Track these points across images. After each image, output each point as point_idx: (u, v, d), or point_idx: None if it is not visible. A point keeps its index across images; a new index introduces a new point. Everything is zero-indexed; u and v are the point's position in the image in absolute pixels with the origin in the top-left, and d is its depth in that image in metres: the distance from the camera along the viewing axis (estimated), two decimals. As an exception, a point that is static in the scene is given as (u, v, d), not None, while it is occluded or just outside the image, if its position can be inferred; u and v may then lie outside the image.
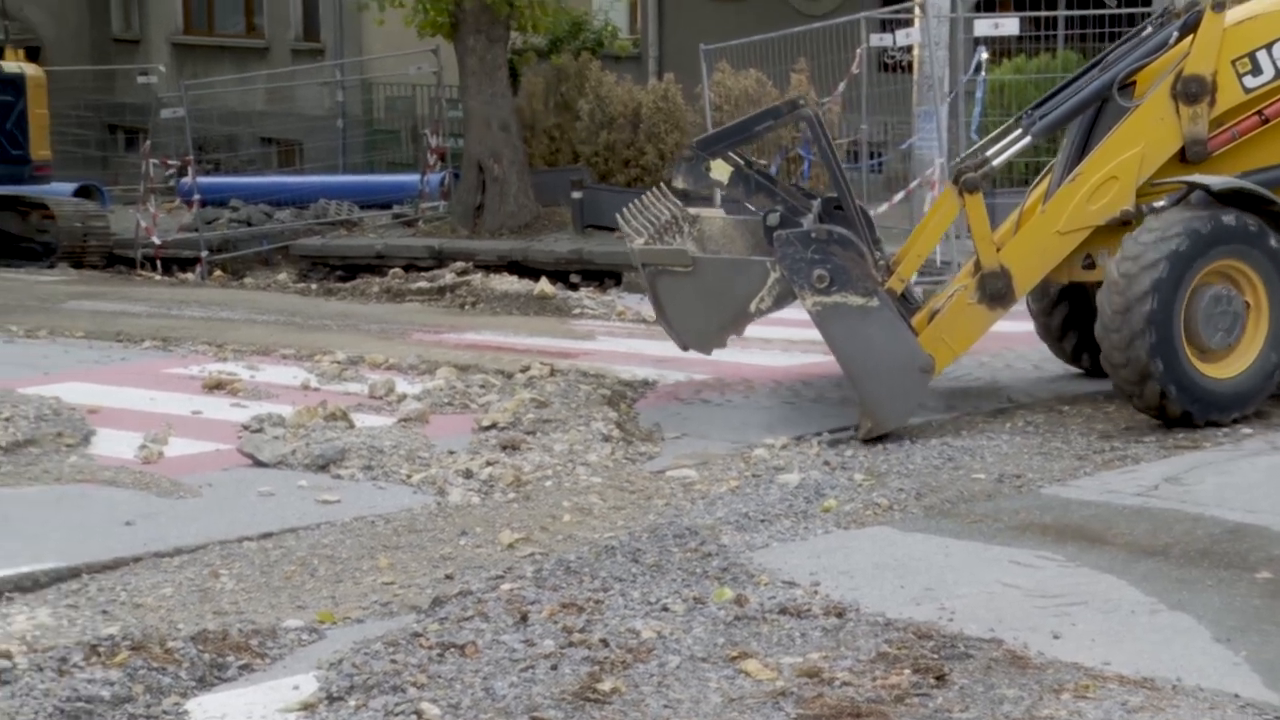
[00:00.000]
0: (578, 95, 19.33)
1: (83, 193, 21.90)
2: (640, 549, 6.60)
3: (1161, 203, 8.78)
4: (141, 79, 23.48)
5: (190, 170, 20.25)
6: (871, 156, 17.04)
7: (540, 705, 4.93)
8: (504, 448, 8.54)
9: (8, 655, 5.31)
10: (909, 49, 15.70)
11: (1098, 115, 9.19)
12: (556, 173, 19.12)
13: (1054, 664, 5.19)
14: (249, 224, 20.86)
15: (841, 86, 16.08)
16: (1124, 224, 8.81)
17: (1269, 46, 9.03)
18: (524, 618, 5.71)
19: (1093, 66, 9.69)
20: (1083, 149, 9.15)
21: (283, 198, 21.29)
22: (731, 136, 9.60)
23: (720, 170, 9.36)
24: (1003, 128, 9.76)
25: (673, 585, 6.14)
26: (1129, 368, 8.28)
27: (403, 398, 9.61)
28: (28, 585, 6.43)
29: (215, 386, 10.26)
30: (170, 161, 21.03)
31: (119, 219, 20.72)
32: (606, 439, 8.82)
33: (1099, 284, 8.81)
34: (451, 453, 8.44)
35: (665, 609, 5.85)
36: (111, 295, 15.76)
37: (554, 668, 5.23)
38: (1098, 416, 8.93)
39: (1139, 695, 4.89)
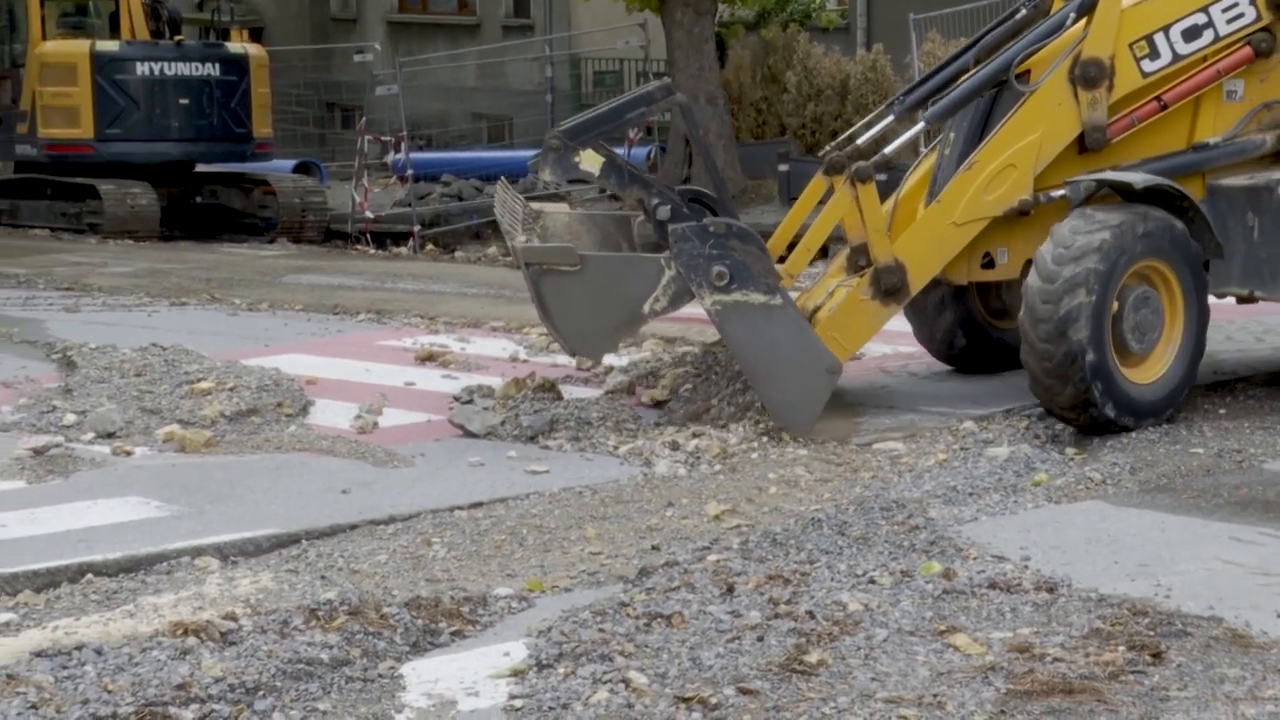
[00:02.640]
0: (785, 68, 19.26)
1: (301, 169, 22.51)
2: (847, 522, 6.57)
3: (1060, 192, 8.33)
4: (358, 57, 24.01)
5: (403, 146, 20.66)
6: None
7: (746, 676, 4.94)
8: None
9: (233, 617, 5.49)
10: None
11: (994, 101, 8.67)
12: (763, 145, 19.09)
13: (1278, 644, 5.04)
14: (460, 198, 21.23)
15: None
16: (1022, 214, 8.42)
17: (1167, 29, 8.53)
18: (730, 589, 5.73)
19: (967, 49, 9.20)
20: (979, 136, 8.63)
21: (493, 172, 21.59)
22: (601, 124, 8.63)
23: (591, 161, 8.41)
24: (874, 114, 9.33)
25: (879, 558, 6.10)
26: (1054, 362, 7.80)
27: (609, 370, 9.69)
28: (251, 550, 6.64)
29: (427, 358, 10.47)
30: (384, 138, 21.48)
31: (335, 194, 21.25)
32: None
33: (1001, 283, 8.55)
34: (658, 425, 8.49)
35: (872, 582, 5.81)
36: (328, 269, 16.17)
37: (760, 639, 5.23)
38: (1324, 390, 8.63)
39: (1367, 678, 4.73)
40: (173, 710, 4.64)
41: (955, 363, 9.71)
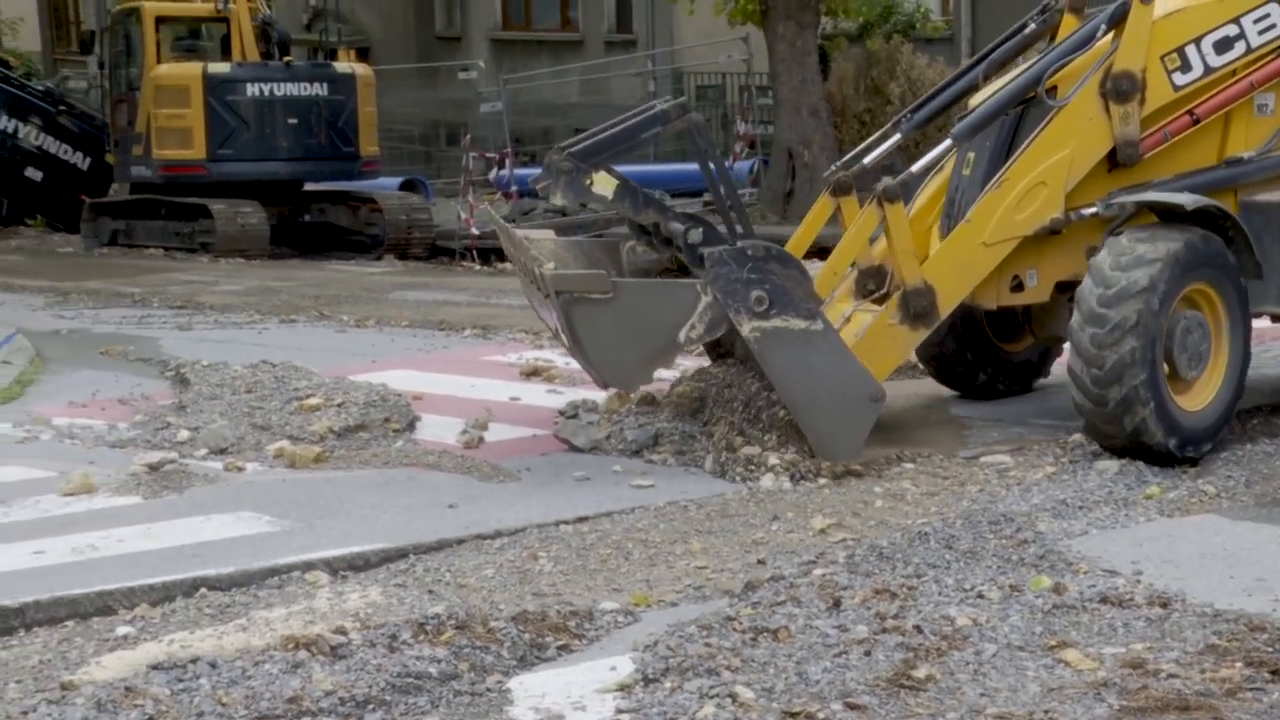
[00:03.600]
0: (888, 79, 19.18)
1: (408, 187, 22.74)
2: (954, 535, 6.52)
3: (1092, 210, 8.13)
4: (462, 75, 24.24)
5: (508, 163, 20.80)
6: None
7: (854, 691, 4.91)
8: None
9: (343, 631, 5.55)
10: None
11: (1020, 117, 8.38)
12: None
13: (1398, 661, 4.93)
14: (564, 214, 21.32)
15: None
16: (1053, 233, 8.15)
17: (1198, 41, 8.27)
18: (837, 603, 5.70)
19: (974, 66, 8.97)
20: (1005, 153, 8.34)
21: (671, 184, 21.67)
22: (614, 145, 8.20)
23: (604, 184, 8.02)
24: (880, 132, 9.04)
25: (988, 572, 6.05)
26: (1106, 369, 7.47)
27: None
28: (360, 564, 6.71)
29: (532, 373, 10.52)
30: (489, 154, 21.64)
31: (441, 211, 21.43)
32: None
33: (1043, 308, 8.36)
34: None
35: (980, 596, 5.76)
36: (434, 285, 16.31)
37: (867, 654, 5.20)
38: None
39: None
40: (284, 723, 4.70)
41: (961, 386, 9.45)
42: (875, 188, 7.97)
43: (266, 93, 20.26)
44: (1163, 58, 8.23)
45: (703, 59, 24.65)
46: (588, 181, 7.98)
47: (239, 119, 20.24)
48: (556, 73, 26.48)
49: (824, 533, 6.92)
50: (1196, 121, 8.30)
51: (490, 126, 22.01)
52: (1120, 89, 8.13)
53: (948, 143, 8.27)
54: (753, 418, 7.96)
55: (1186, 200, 7.83)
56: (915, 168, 8.34)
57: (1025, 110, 8.35)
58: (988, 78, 8.85)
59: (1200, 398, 7.81)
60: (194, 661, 5.18)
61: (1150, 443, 7.55)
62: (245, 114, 20.25)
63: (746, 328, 7.49)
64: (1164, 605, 5.58)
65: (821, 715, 4.73)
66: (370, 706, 4.89)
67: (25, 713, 4.71)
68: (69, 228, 22.50)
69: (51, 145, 23.29)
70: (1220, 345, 7.90)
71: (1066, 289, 8.33)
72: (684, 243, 7.78)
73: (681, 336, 7.62)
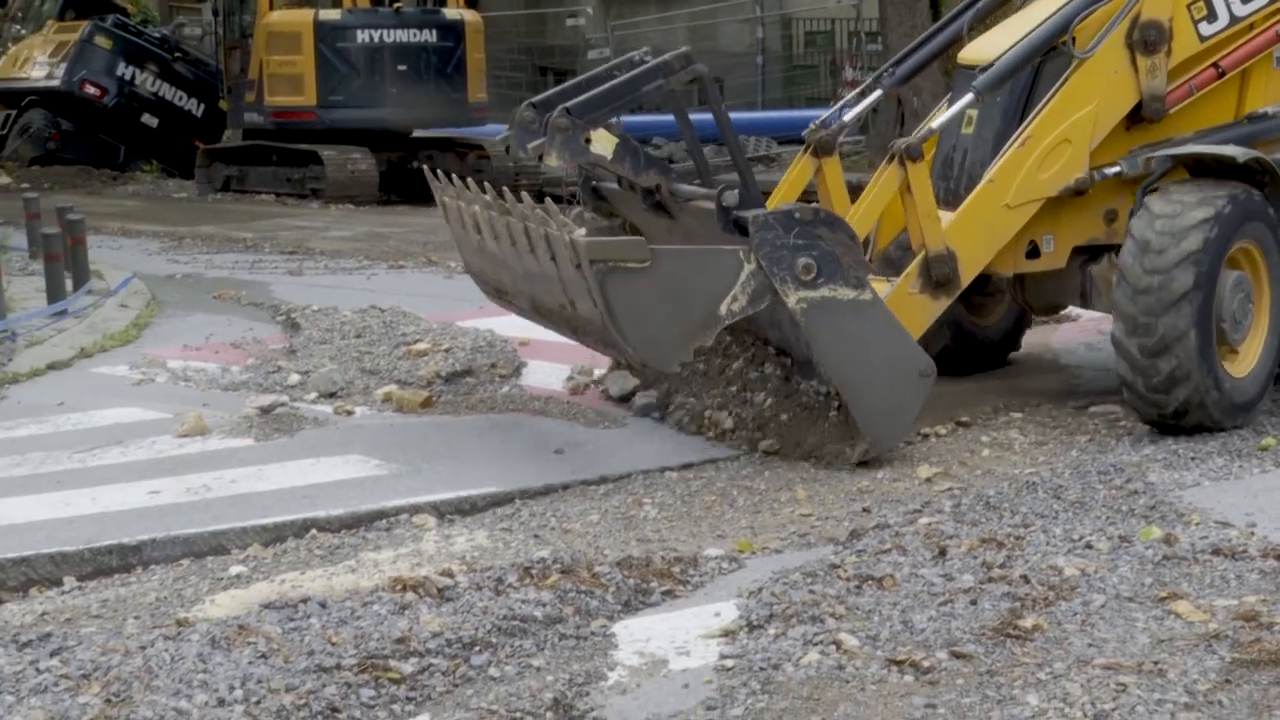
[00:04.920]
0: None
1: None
2: (1062, 485, 6.45)
3: (1117, 168, 7.67)
4: (570, 21, 24.23)
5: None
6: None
7: (960, 640, 4.89)
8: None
9: (450, 574, 5.61)
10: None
11: (1036, 71, 7.84)
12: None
13: None
14: (670, 161, 21.25)
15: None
16: (1078, 194, 7.66)
17: None
18: (942, 552, 5.67)
19: (957, 15, 8.52)
20: (1021, 109, 7.82)
21: (703, 135, 21.60)
22: (614, 99, 7.61)
23: (603, 143, 7.47)
24: (861, 87, 8.61)
25: (1096, 523, 5.98)
26: (1157, 338, 7.08)
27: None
28: (467, 508, 6.77)
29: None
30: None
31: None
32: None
33: (1046, 275, 7.85)
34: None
35: (1089, 547, 5.70)
36: (542, 232, 16.33)
37: (973, 603, 5.17)
38: None
39: None
40: (393, 663, 4.76)
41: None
42: (895, 145, 7.41)
43: (376, 39, 20.37)
44: (1189, 6, 7.82)
45: (811, 4, 24.44)
46: (585, 139, 7.42)
47: (349, 65, 20.37)
48: (664, 19, 26.36)
49: (930, 481, 6.88)
50: (1222, 74, 7.88)
51: (598, 73, 21.99)
52: (1148, 39, 7.68)
53: (969, 96, 7.62)
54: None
55: (1238, 153, 7.39)
56: (935, 124, 7.77)
57: (1041, 63, 7.84)
58: (972, 30, 8.45)
59: (1245, 364, 7.43)
60: (304, 601, 5.27)
61: (1201, 415, 7.17)
62: (355, 61, 20.37)
63: (793, 298, 6.88)
64: (1278, 558, 5.50)
65: (926, 664, 4.72)
66: (476, 648, 4.95)
67: (143, 647, 4.82)
68: (183, 173, 22.84)
69: (167, 92, 23.62)
70: (1262, 307, 7.50)
71: (1078, 254, 7.91)
72: (718, 206, 7.11)
73: (723, 309, 6.86)
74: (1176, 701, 4.42)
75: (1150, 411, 7.29)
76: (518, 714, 4.49)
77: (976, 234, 7.52)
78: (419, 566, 5.85)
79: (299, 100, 20.29)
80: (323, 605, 5.22)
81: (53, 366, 9.75)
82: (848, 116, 8.35)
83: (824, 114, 8.46)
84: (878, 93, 8.50)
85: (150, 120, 23.48)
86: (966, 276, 7.50)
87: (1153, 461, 6.86)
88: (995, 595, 5.22)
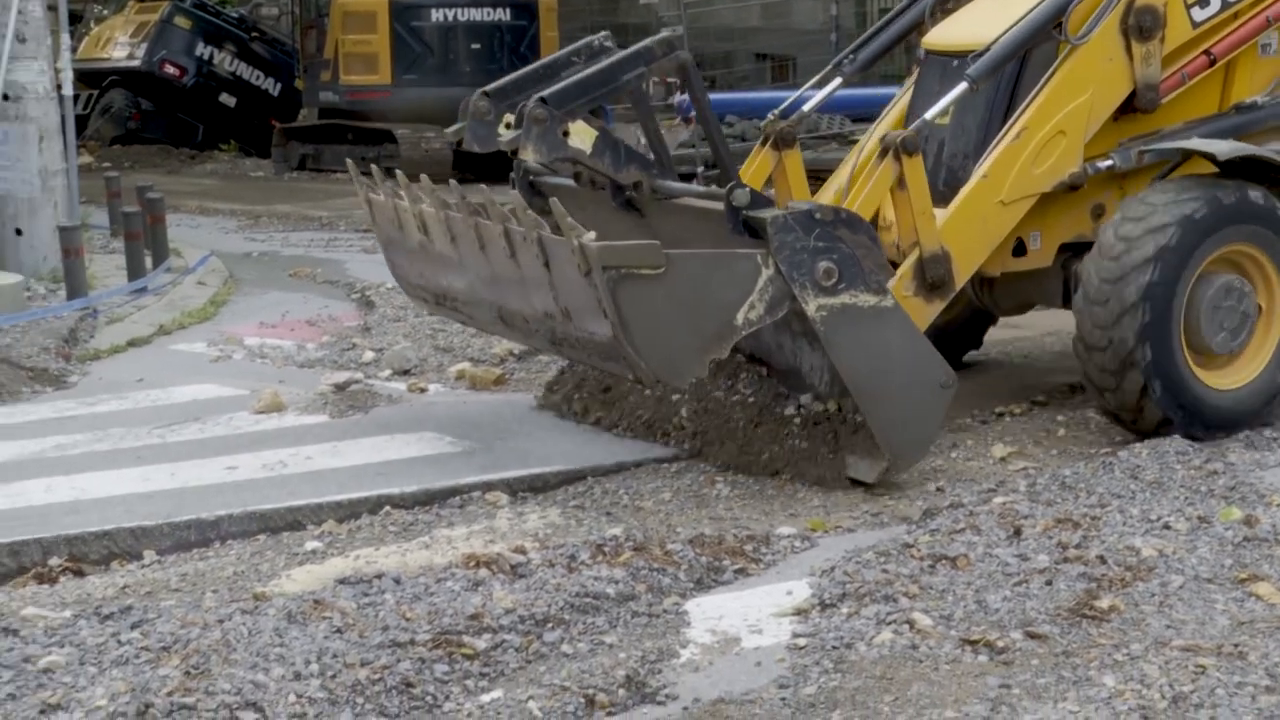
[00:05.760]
0: None
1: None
2: (1140, 465, 6.39)
3: (1109, 162, 7.27)
4: (643, 0, 24.15)
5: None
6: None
7: (1035, 620, 4.86)
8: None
9: (523, 551, 5.63)
10: None
11: (1023, 59, 7.38)
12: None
13: None
14: (743, 139, 21.14)
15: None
16: (1072, 189, 7.25)
17: None
18: (1017, 532, 5.63)
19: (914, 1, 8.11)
20: (1009, 99, 7.37)
21: (754, 107, 21.50)
22: (594, 89, 7.07)
23: (582, 135, 6.95)
24: (820, 75, 8.17)
25: (1174, 503, 5.92)
26: (1109, 352, 6.74)
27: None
28: (539, 485, 6.79)
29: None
30: (669, 80, 21.56)
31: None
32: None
33: (1021, 275, 7.42)
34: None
35: (1167, 527, 5.64)
36: (615, 211, 16.33)
37: (1048, 583, 5.14)
38: None
39: None
40: (466, 639, 4.79)
41: None
42: (890, 138, 6.90)
43: (450, 18, 20.43)
44: None
45: (887, -20, 24.26)
46: (563, 132, 6.91)
47: (423, 44, 20.44)
48: (738, -4, 26.26)
49: (1004, 460, 6.84)
50: (1214, 62, 7.51)
51: (671, 51, 21.94)
52: (1143, 25, 7.28)
53: (963, 86, 7.08)
54: None
55: (1221, 148, 6.98)
56: (929, 114, 7.15)
57: (1028, 49, 7.39)
58: (934, 14, 8.07)
59: (1242, 373, 7.01)
60: (379, 577, 5.31)
61: (1147, 407, 6.81)
62: (429, 39, 20.44)
63: (812, 305, 6.36)
64: (1360, 540, 5.43)
65: (1001, 644, 4.69)
66: (549, 625, 4.97)
67: (221, 621, 4.88)
68: (260, 152, 23.01)
69: (244, 71, 23.81)
70: (1272, 313, 7.05)
71: (1063, 251, 7.52)
72: (727, 206, 6.52)
73: (739, 318, 6.30)
74: (1257, 684, 4.38)
75: (1103, 397, 6.96)
76: (590, 690, 4.51)
77: (971, 232, 7.07)
78: (492, 543, 5.88)
79: (374, 79, 20.39)
80: (397, 581, 5.25)
81: (132, 343, 9.87)
82: (808, 106, 8.06)
83: (787, 100, 8.13)
84: (837, 80, 8.11)
85: (228, 100, 23.68)
86: (961, 277, 7.04)
87: (1233, 441, 6.77)
88: (1071, 576, 5.18)
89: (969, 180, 7.13)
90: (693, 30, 21.20)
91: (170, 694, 4.33)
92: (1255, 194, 6.97)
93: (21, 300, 10.43)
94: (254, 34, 24.03)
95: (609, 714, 4.43)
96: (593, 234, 6.24)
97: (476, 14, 20.53)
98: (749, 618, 5.11)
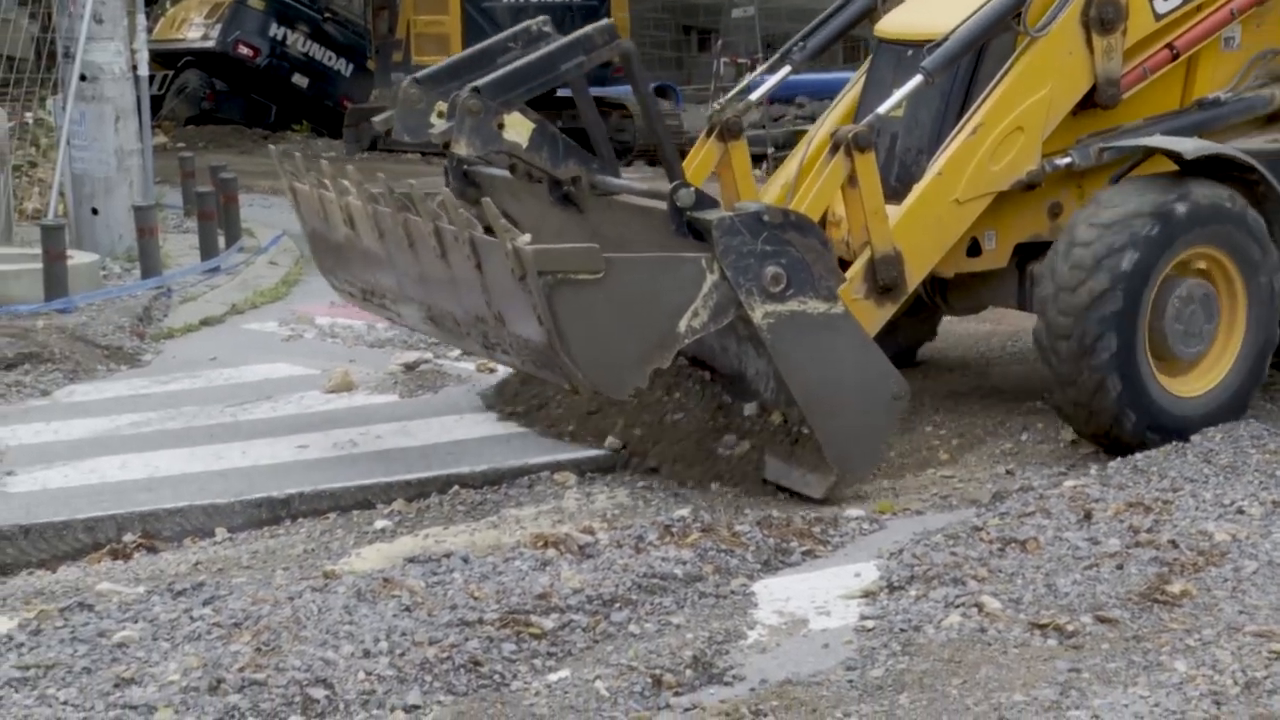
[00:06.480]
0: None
1: (658, 93, 22.69)
2: (1213, 449, 6.32)
3: (1068, 159, 6.95)
4: (714, -20, 24.08)
5: (759, 68, 20.65)
6: None
7: (1105, 604, 4.82)
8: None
9: (591, 531, 5.65)
10: None
11: (980, 50, 7.04)
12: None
13: None
14: (813, 120, 21.12)
15: None
16: (1030, 187, 6.94)
17: None
18: (1088, 515, 5.59)
19: None
20: (965, 92, 7.06)
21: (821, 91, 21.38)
22: (531, 78, 6.70)
23: (518, 128, 6.60)
24: (768, 63, 7.92)
25: (1249, 488, 5.85)
26: (1079, 386, 6.47)
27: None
28: (608, 466, 6.80)
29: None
30: (740, 60, 21.50)
31: (691, 117, 21.39)
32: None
33: (974, 274, 7.10)
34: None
35: (1240, 512, 5.58)
36: (685, 191, 16.31)
37: (1119, 567, 5.09)
38: None
39: None
40: (534, 618, 4.81)
41: None
42: (842, 133, 6.60)
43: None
44: None
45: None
46: (498, 124, 6.55)
47: (494, 24, 20.45)
48: (809, -25, 26.12)
49: (1075, 444, 6.79)
50: (1176, 56, 7.20)
51: (742, 31, 21.87)
52: (1105, 17, 6.96)
53: (919, 79, 6.78)
54: None
55: (1186, 146, 6.69)
56: (882, 109, 6.80)
57: (986, 42, 7.07)
58: (886, 0, 7.73)
59: (1202, 380, 6.74)
60: (447, 556, 5.34)
61: (1121, 432, 6.54)
62: (501, 19, 20.46)
63: (759, 313, 6.05)
64: None
65: (1071, 627, 4.66)
66: (617, 605, 4.98)
67: (292, 598, 4.92)
68: (332, 133, 23.14)
69: (317, 52, 23.95)
70: (1234, 320, 6.74)
71: (1018, 251, 7.19)
72: (671, 206, 6.23)
73: (682, 326, 5.96)
74: (1330, 671, 4.33)
75: (1080, 425, 6.71)
76: (657, 670, 4.51)
77: (925, 232, 6.77)
78: (560, 523, 5.90)
79: (445, 59, 20.45)
80: (465, 560, 5.28)
81: (205, 322, 9.97)
82: (755, 95, 7.75)
83: (735, 89, 7.95)
84: (786, 69, 7.84)
85: (301, 80, 23.83)
86: (913, 279, 6.76)
87: (1308, 426, 6.70)
88: (1142, 560, 5.13)
89: (923, 177, 6.84)
90: (764, 10, 21.13)
91: (241, 670, 4.38)
92: (1210, 192, 6.67)
93: (97, 279, 10.55)
94: (326, 15, 24.16)
95: (676, 694, 4.43)
96: (528, 236, 5.90)
97: (548, -6, 20.57)
98: (816, 599, 5.10)
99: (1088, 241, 6.50)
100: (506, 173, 7.36)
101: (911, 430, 7.11)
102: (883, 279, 6.63)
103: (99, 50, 11.87)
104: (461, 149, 6.59)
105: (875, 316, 6.65)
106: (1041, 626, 4.69)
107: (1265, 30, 7.38)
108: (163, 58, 24.25)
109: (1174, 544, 5.26)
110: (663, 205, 6.29)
